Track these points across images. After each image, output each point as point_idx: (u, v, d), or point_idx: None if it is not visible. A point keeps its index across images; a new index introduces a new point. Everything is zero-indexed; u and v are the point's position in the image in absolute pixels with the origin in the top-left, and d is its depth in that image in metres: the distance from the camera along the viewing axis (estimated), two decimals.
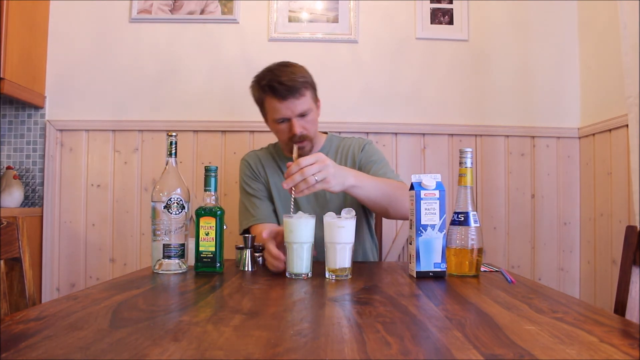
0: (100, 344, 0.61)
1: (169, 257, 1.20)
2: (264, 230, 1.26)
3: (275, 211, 1.60)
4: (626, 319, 0.86)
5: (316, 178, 1.17)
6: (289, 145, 1.54)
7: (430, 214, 1.16)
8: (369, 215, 1.66)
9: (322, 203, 1.57)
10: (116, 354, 0.57)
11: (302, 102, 1.48)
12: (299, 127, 1.49)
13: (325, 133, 1.71)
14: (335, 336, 0.65)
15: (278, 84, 1.45)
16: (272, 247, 1.20)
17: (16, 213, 1.97)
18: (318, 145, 1.63)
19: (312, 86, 1.53)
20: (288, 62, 1.54)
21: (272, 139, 2.02)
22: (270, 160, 1.65)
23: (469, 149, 1.21)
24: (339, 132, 1.97)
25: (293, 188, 1.18)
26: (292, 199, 1.24)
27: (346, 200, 1.57)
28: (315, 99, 1.57)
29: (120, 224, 2.17)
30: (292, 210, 1.23)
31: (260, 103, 1.55)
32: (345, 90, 2.20)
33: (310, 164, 1.17)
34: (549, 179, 2.22)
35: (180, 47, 2.21)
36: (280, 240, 1.22)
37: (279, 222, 1.57)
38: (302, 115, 1.50)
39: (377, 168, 1.55)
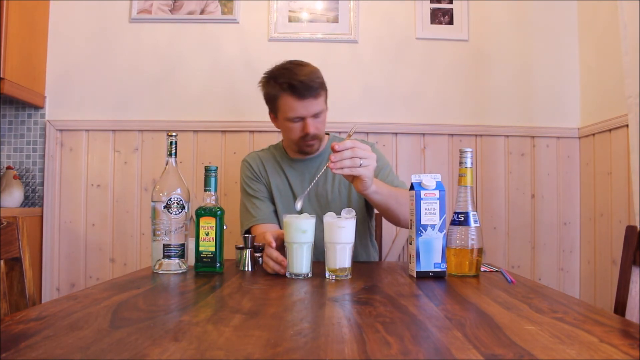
0: (100, 344, 0.61)
1: (169, 257, 1.20)
2: (267, 232, 1.26)
3: (276, 212, 1.60)
4: (626, 319, 0.86)
5: (361, 162, 1.19)
6: (299, 144, 1.54)
7: (430, 214, 1.16)
8: (369, 222, 1.66)
9: (323, 204, 1.57)
10: (116, 354, 0.57)
11: (318, 103, 1.49)
12: (312, 127, 1.50)
13: (327, 134, 1.71)
14: (335, 336, 0.65)
15: (298, 83, 1.44)
16: (274, 251, 1.19)
17: (16, 213, 1.97)
18: (322, 145, 1.64)
19: (325, 88, 1.54)
20: (302, 61, 1.53)
21: (272, 139, 2.03)
22: (271, 161, 1.65)
23: (469, 149, 1.21)
24: (339, 133, 1.97)
25: (332, 162, 1.18)
26: (315, 181, 1.34)
27: (349, 202, 1.57)
28: (326, 100, 1.57)
29: (120, 224, 2.17)
30: (308, 189, 1.33)
31: (273, 100, 1.52)
32: (346, 90, 2.20)
33: (363, 149, 1.20)
34: (549, 179, 2.22)
35: (180, 47, 2.21)
36: (280, 243, 1.22)
37: (279, 223, 1.57)
38: (316, 115, 1.50)
39: (384, 174, 1.56)
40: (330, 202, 1.57)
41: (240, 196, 1.67)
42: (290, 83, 1.45)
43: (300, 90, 1.44)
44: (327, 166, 1.20)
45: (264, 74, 1.55)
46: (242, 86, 2.19)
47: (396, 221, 1.47)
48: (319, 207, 1.56)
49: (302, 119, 1.49)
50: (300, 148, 1.57)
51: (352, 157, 1.19)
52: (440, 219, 1.16)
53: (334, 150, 1.19)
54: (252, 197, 1.60)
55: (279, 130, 2.14)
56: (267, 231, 1.30)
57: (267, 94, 1.54)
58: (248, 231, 1.56)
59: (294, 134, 1.53)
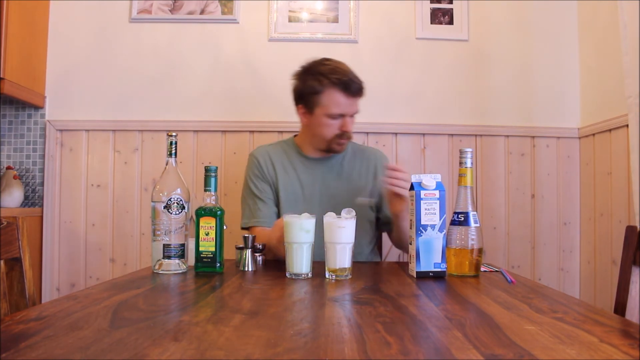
0: (100, 344, 0.61)
1: (169, 257, 1.20)
2: (275, 225, 1.34)
3: (278, 213, 1.59)
4: (626, 319, 0.86)
5: (406, 185, 1.33)
6: (331, 142, 1.54)
7: (430, 214, 1.16)
8: (375, 232, 1.67)
9: (334, 208, 1.56)
10: (116, 354, 0.57)
11: (358, 103, 1.54)
12: (350, 125, 1.53)
13: None
14: (335, 336, 0.65)
15: (350, 80, 1.48)
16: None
17: (16, 213, 1.97)
18: None
19: None
20: (338, 60, 1.57)
21: (272, 139, 2.02)
22: (281, 158, 1.62)
23: (469, 149, 1.21)
24: None
25: (389, 177, 1.35)
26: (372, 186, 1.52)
27: (360, 209, 1.57)
28: None
29: (120, 224, 2.17)
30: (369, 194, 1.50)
31: (314, 94, 1.50)
32: None
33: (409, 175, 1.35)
34: (549, 179, 2.22)
35: (180, 47, 2.20)
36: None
37: None
38: (353, 115, 1.54)
39: None
40: (341, 205, 1.56)
41: (242, 188, 1.64)
42: (342, 79, 1.47)
43: (353, 88, 1.48)
44: (381, 179, 1.34)
45: (301, 67, 1.56)
46: (242, 86, 2.19)
47: (403, 247, 1.55)
48: (331, 209, 1.55)
49: (342, 116, 1.51)
50: (330, 146, 1.56)
51: (404, 181, 1.32)
52: (440, 219, 1.16)
53: (388, 168, 1.35)
54: (256, 197, 1.58)
55: (279, 130, 2.14)
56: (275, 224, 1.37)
57: (308, 87, 1.51)
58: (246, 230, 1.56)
59: (330, 131, 1.52)
